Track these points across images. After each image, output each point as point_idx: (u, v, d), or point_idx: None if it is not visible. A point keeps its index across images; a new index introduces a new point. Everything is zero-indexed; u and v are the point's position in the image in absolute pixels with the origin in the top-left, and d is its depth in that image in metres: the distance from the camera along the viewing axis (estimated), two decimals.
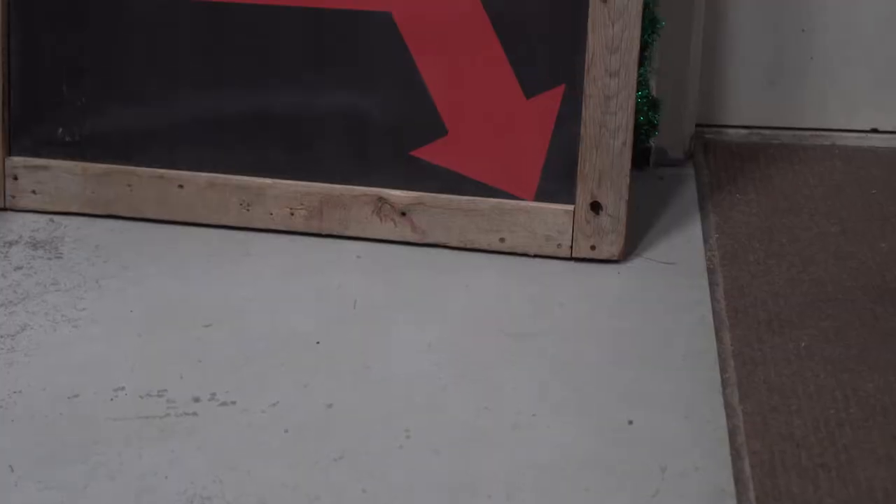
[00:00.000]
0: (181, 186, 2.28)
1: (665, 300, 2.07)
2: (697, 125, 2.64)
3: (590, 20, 2.10)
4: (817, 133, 2.70)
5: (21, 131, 2.33)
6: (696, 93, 2.59)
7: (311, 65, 2.22)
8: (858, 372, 1.86)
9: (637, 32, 2.10)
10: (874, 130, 2.71)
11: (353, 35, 2.19)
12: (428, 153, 2.21)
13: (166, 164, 2.29)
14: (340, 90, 2.22)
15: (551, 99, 2.16)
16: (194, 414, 1.78)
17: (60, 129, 2.32)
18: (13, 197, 2.34)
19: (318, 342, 1.96)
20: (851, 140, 2.68)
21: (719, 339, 1.96)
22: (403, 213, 2.22)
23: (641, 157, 2.51)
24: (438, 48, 2.17)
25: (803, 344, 1.93)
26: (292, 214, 2.25)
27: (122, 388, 1.84)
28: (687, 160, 2.59)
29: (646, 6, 2.17)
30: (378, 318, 2.03)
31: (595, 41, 2.10)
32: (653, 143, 2.52)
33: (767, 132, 2.71)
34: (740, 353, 1.91)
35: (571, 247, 2.18)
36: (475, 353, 1.94)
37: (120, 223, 2.30)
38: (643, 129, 2.42)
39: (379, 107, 2.21)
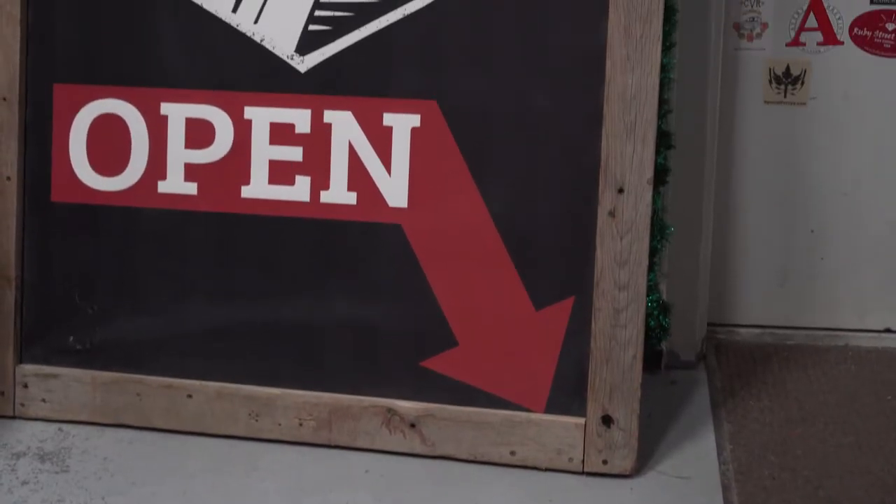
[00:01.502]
0: (190, 396, 2.27)
1: None
2: (709, 324, 2.64)
3: (598, 233, 2.11)
4: (830, 333, 2.69)
5: (32, 340, 2.33)
6: (707, 296, 2.59)
7: (321, 275, 2.23)
8: None
9: (646, 245, 2.11)
10: (887, 330, 2.70)
11: (363, 246, 2.21)
12: (437, 364, 2.21)
13: (175, 373, 2.29)
14: (350, 300, 2.22)
15: (561, 311, 2.15)
16: None
17: (71, 338, 2.32)
18: (23, 405, 2.33)
19: None
20: (864, 340, 2.67)
21: None
22: (413, 425, 2.20)
23: (653, 360, 2.50)
24: (448, 260, 2.18)
25: None
26: (301, 425, 2.24)
27: None
28: (699, 362, 2.58)
29: (654, 213, 2.18)
30: None
31: (603, 255, 2.11)
32: (664, 346, 2.52)
33: (780, 332, 2.70)
34: None
35: (583, 461, 2.15)
36: None
37: (129, 433, 2.28)
38: (654, 332, 2.42)
39: (389, 317, 2.21)
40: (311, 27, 2.19)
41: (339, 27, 2.18)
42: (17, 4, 2.26)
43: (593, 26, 2.08)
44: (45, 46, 2.28)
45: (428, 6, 2.15)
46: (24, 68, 2.28)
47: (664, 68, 2.21)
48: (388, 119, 2.18)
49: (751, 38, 2.55)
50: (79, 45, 2.27)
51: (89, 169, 2.29)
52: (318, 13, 2.19)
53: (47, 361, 2.33)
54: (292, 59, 2.20)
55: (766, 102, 2.58)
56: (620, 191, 2.09)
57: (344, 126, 2.20)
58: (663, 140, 2.34)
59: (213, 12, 2.22)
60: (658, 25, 2.06)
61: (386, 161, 2.19)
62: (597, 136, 2.09)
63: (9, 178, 2.29)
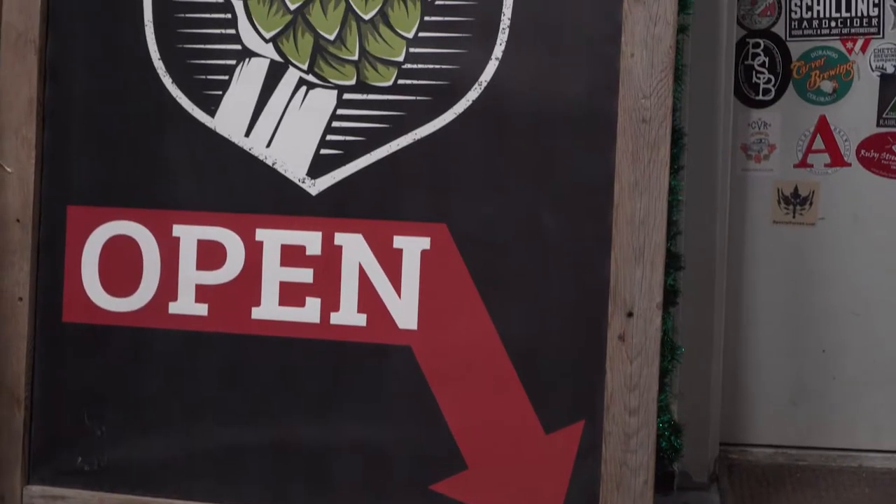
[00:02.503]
0: None
1: None
2: (722, 444, 2.62)
3: (608, 357, 2.10)
4: (844, 454, 2.67)
5: (41, 460, 2.32)
6: (719, 416, 2.58)
7: (331, 397, 2.22)
8: None
9: (656, 369, 2.10)
10: None
11: (373, 368, 2.21)
12: (448, 488, 2.19)
13: (184, 495, 2.27)
14: (360, 422, 2.21)
15: (571, 435, 2.14)
16: None
17: (80, 459, 2.31)
18: None
19: None
20: (879, 461, 2.65)
21: None
22: None
23: (665, 481, 2.48)
24: (458, 383, 2.17)
25: None
26: None
27: None
28: (711, 484, 2.55)
29: (664, 334, 2.18)
30: None
31: (613, 379, 2.10)
32: (676, 467, 2.49)
33: (793, 451, 2.68)
34: None
35: None
36: None
37: None
38: (666, 454, 2.40)
39: (398, 440, 2.20)
40: (323, 151, 2.22)
41: (351, 151, 2.21)
42: (33, 127, 2.29)
43: (602, 152, 2.10)
44: (60, 169, 2.31)
45: (438, 131, 2.17)
46: (38, 190, 2.30)
47: (673, 191, 2.22)
48: (399, 241, 2.19)
49: (759, 160, 2.57)
50: (93, 168, 2.30)
51: (101, 290, 2.30)
52: (329, 137, 2.21)
53: (55, 483, 2.32)
54: (304, 182, 2.23)
55: (775, 222, 2.60)
56: (630, 315, 2.09)
57: (354, 248, 2.21)
58: (673, 262, 2.35)
59: (227, 136, 2.25)
60: (666, 152, 2.08)
61: (396, 283, 2.20)
62: (606, 260, 2.10)
63: (21, 299, 2.30)
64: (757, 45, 2.53)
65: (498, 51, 2.15)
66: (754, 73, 2.53)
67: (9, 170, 2.30)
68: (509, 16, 2.14)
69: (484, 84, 2.15)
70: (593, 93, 2.11)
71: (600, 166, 2.10)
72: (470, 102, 2.16)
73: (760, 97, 2.54)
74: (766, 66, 2.52)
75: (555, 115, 2.13)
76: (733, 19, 2.45)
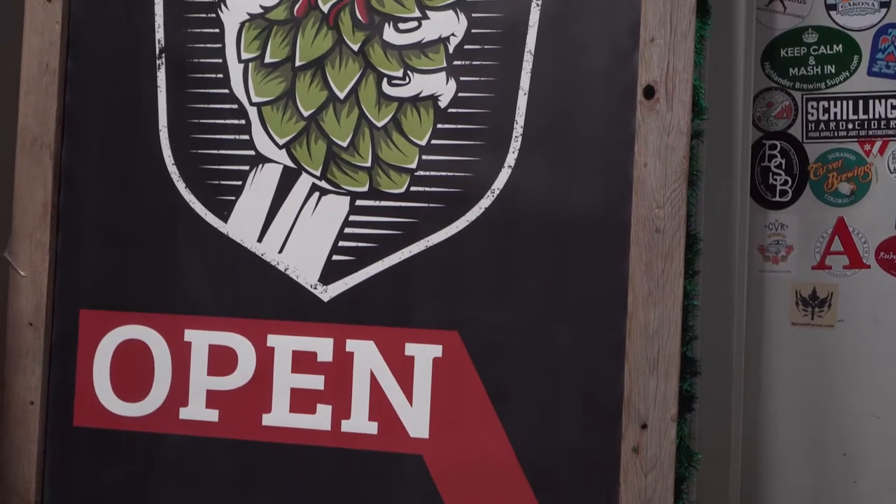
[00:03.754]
0: None
1: None
2: None
3: (622, 470, 2.08)
4: None
5: None
6: None
7: None
8: None
9: (671, 482, 2.07)
10: None
11: (383, 477, 2.18)
12: None
13: None
14: None
15: None
16: None
17: None
18: None
19: None
20: None
21: None
22: None
23: None
24: (470, 493, 2.14)
25: None
26: None
27: None
28: None
29: (681, 441, 2.15)
30: None
31: (627, 492, 2.07)
32: None
33: None
34: None
35: None
36: None
37: None
38: None
39: None
40: (335, 257, 2.21)
41: (363, 258, 2.20)
42: (47, 231, 2.30)
43: (615, 261, 2.09)
44: (73, 272, 2.31)
45: (450, 238, 2.17)
46: (51, 294, 2.31)
47: (688, 295, 2.20)
48: (410, 349, 2.18)
49: (776, 261, 2.55)
50: (106, 271, 2.30)
51: (112, 394, 2.29)
52: (341, 244, 2.21)
53: None
54: (316, 288, 2.22)
55: (794, 324, 2.57)
56: (644, 427, 2.07)
57: (366, 355, 2.19)
58: (689, 367, 2.31)
59: (239, 241, 2.25)
60: (680, 261, 2.07)
61: (407, 391, 2.18)
62: (619, 371, 2.08)
63: (32, 403, 2.29)
64: (773, 147, 2.51)
65: (511, 158, 2.14)
66: (771, 174, 2.52)
67: (23, 273, 2.30)
68: (522, 124, 2.14)
69: (497, 192, 2.15)
70: (607, 201, 2.10)
71: (614, 275, 2.09)
72: (483, 210, 2.15)
73: (777, 198, 2.52)
74: (783, 167, 2.51)
75: (568, 224, 2.12)
76: (749, 122, 2.44)
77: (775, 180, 2.52)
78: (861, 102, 2.45)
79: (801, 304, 2.55)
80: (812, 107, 2.49)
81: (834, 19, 2.45)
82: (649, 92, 2.07)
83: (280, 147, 2.23)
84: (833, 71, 2.47)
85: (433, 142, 2.17)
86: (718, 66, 2.36)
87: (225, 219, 2.25)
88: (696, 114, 2.13)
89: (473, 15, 2.17)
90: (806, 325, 2.56)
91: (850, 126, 2.47)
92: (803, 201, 2.53)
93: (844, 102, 2.47)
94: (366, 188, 2.20)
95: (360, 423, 2.20)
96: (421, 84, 2.18)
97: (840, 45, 2.46)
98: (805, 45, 2.47)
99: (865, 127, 2.46)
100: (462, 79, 2.16)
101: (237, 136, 2.25)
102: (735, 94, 2.40)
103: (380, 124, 2.19)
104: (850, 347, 2.57)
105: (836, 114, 2.48)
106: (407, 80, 2.19)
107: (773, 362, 2.58)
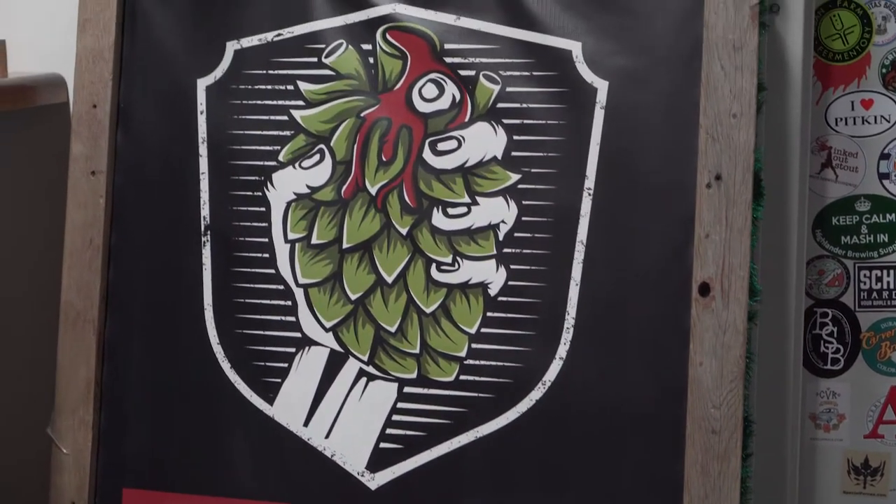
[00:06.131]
0: None
1: None
2: None
3: None
4: None
5: None
6: None
7: None
8: None
9: None
10: None
11: None
12: None
13: None
14: None
15: None
16: None
17: None
18: None
19: None
20: None
21: None
22: None
23: None
24: None
25: None
26: None
27: None
28: None
29: None
30: None
31: None
32: None
33: None
34: None
35: None
36: None
37: None
38: None
39: None
40: (383, 445, 2.17)
41: (411, 446, 2.16)
42: (90, 408, 2.27)
43: (669, 459, 2.04)
44: (116, 450, 2.28)
45: (500, 430, 2.13)
46: (94, 472, 2.28)
47: (743, 480, 2.15)
48: None
49: (828, 429, 2.50)
50: (149, 450, 2.27)
51: None
52: (389, 431, 2.17)
53: None
54: (363, 475, 2.18)
55: (845, 493, 2.52)
56: None
57: None
58: None
59: (285, 425, 2.22)
60: (737, 463, 2.03)
61: None
62: None
63: None
64: (825, 315, 2.47)
65: (562, 350, 2.11)
66: (822, 342, 2.47)
67: (65, 451, 2.28)
68: (574, 315, 2.10)
69: (548, 384, 2.11)
70: (660, 398, 2.06)
71: (667, 476, 2.05)
72: (533, 402, 2.11)
73: (829, 367, 2.48)
74: (835, 335, 2.46)
75: (620, 419, 2.08)
76: (802, 290, 2.39)
77: (827, 349, 2.48)
78: None
79: (853, 472, 2.51)
80: (864, 275, 2.44)
81: (887, 188, 2.41)
82: (704, 289, 2.03)
83: (327, 330, 2.20)
84: (886, 240, 2.43)
85: (483, 330, 2.14)
86: (772, 237, 2.32)
87: (270, 401, 2.22)
88: (750, 296, 2.08)
89: (524, 202, 2.13)
90: (858, 494, 2.51)
91: None
92: (855, 370, 2.48)
93: None
94: (414, 375, 2.16)
95: None
96: (470, 271, 2.15)
97: (893, 215, 2.41)
98: (857, 214, 2.43)
99: None
100: (512, 267, 2.13)
101: (283, 318, 2.22)
102: (788, 262, 2.36)
103: (428, 310, 2.16)
104: None
105: (888, 283, 2.44)
106: (456, 266, 2.15)
107: None
